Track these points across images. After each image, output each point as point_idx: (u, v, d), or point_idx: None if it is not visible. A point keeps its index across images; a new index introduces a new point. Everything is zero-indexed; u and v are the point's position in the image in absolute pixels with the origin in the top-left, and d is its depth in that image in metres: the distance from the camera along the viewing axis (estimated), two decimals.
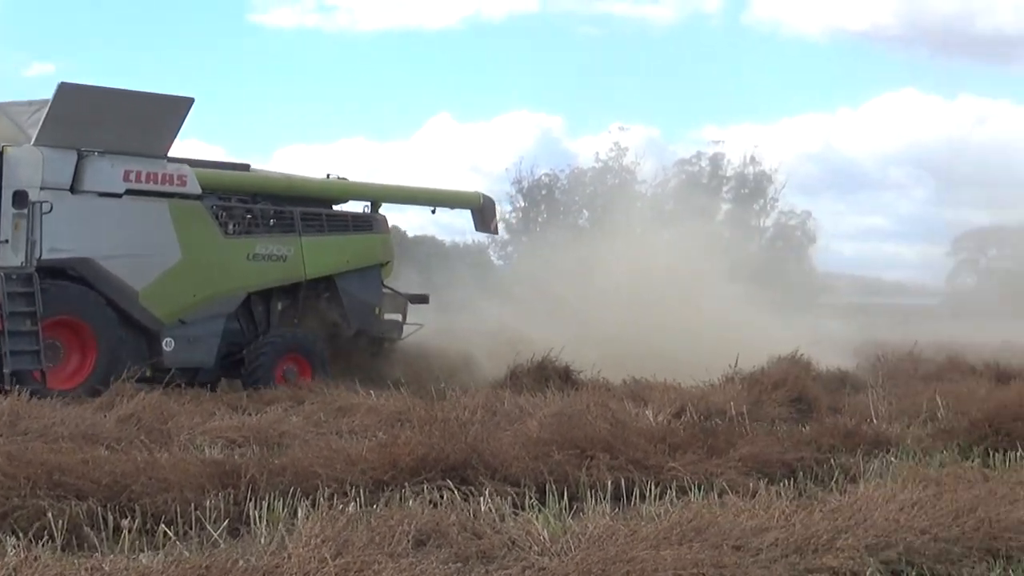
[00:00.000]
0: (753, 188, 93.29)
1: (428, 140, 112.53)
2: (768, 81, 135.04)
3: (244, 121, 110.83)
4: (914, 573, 8.90)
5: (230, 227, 21.47)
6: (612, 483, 11.72)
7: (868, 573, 8.64)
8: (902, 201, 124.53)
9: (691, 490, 11.75)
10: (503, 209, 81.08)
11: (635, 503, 11.33)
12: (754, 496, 10.97)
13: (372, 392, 17.74)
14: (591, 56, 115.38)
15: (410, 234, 62.15)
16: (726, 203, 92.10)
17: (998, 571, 9.09)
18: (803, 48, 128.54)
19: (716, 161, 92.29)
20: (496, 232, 26.15)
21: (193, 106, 20.27)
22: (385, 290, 23.51)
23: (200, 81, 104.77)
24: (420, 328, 23.60)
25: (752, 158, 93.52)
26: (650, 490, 11.67)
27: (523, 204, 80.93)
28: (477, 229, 25.87)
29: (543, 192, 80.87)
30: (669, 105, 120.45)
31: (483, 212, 25.48)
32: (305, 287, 22.27)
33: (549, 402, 16.71)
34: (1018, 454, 14.62)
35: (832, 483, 12.66)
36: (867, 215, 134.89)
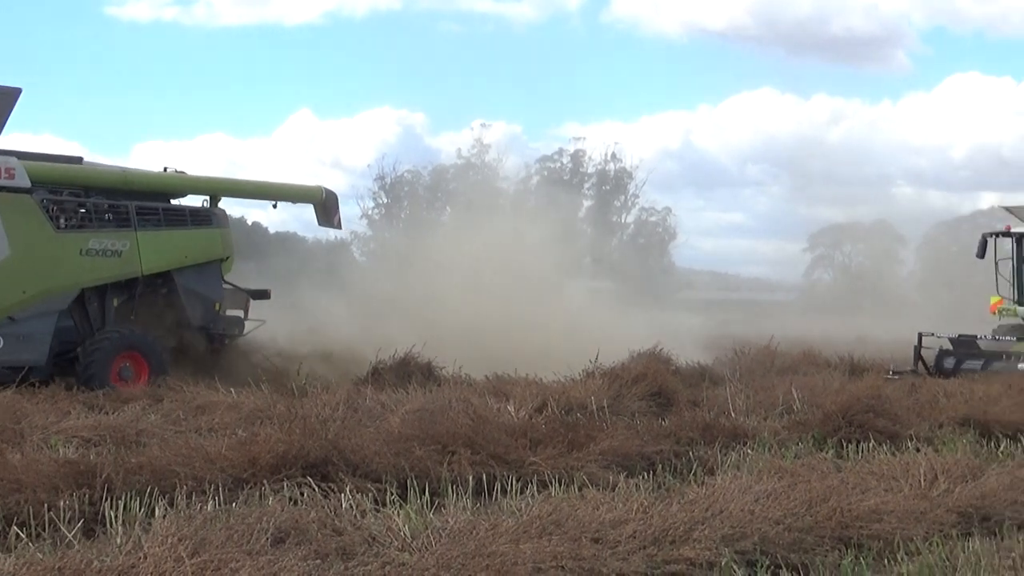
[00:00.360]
0: (614, 185, 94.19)
1: (289, 136, 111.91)
2: (629, 79, 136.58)
3: (101, 117, 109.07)
4: (768, 562, 9.06)
5: (62, 221, 20.74)
6: (473, 478, 11.75)
7: (723, 563, 8.79)
8: (760, 198, 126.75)
9: (552, 484, 11.82)
10: (366, 205, 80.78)
11: (496, 498, 11.37)
12: (614, 489, 11.08)
13: (232, 390, 17.55)
14: (453, 53, 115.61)
15: (272, 230, 61.63)
16: (588, 200, 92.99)
17: (850, 559, 9.29)
18: (663, 47, 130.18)
19: (577, 158, 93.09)
20: (339, 227, 25.66)
21: (21, 96, 19.80)
22: (226, 286, 22.99)
23: (57, 75, 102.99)
24: (262, 324, 23.22)
25: (613, 155, 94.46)
26: (511, 484, 11.72)
27: (386, 200, 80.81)
28: (320, 224, 25.31)
29: (406, 188, 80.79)
30: (531, 102, 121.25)
31: (325, 206, 24.99)
32: (142, 283, 21.64)
33: (411, 398, 16.69)
34: (870, 445, 14.97)
35: (690, 475, 12.83)
36: (726, 212, 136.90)
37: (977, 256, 27.07)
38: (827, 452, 14.37)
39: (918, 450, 14.34)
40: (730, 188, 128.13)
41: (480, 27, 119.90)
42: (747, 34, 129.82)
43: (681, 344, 27.28)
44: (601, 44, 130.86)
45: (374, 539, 8.71)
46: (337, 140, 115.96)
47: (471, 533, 8.69)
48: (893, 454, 14.07)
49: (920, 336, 25.85)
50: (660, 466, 13.32)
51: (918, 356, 25.72)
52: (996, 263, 27.22)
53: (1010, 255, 27.31)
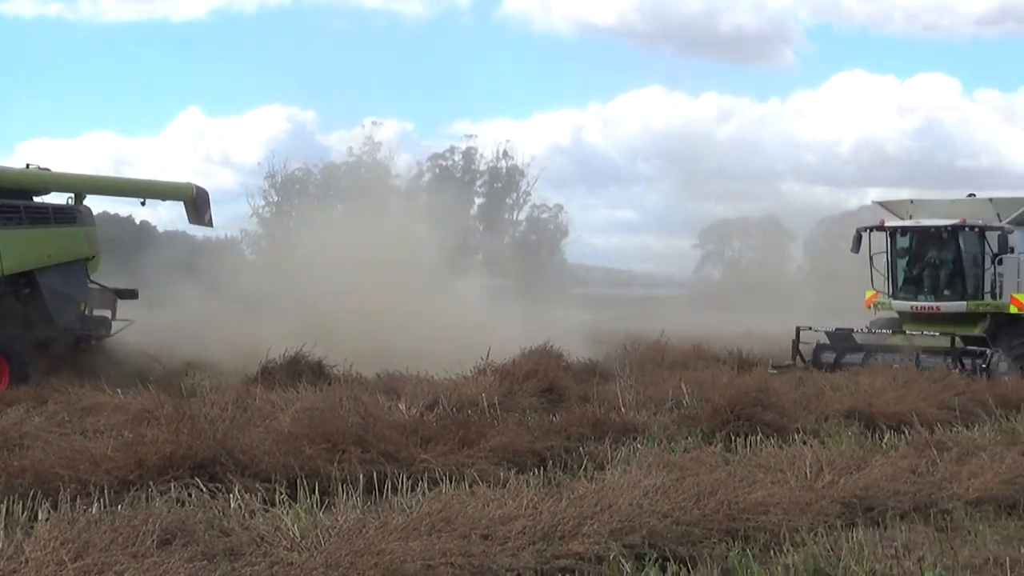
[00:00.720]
0: (506, 182, 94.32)
1: (178, 134, 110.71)
2: (520, 77, 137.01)
3: None
4: (656, 556, 9.13)
5: None
6: (364, 476, 11.70)
7: (611, 557, 8.84)
8: (650, 195, 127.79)
9: (443, 481, 11.82)
10: (257, 204, 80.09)
11: (387, 496, 11.33)
12: (504, 486, 11.10)
13: (119, 391, 17.29)
14: (343, 50, 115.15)
15: (160, 228, 60.88)
16: (480, 197, 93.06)
17: (737, 551, 9.39)
18: (553, 44, 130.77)
19: (469, 156, 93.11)
20: (211, 224, 25.02)
21: None
22: (92, 285, 22.40)
23: None
24: (130, 324, 22.75)
25: (505, 152, 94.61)
26: (402, 482, 11.69)
27: (276, 199, 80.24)
28: (191, 221, 24.61)
29: (296, 186, 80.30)
30: (422, 100, 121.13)
31: (196, 204, 24.38)
32: (3, 283, 21.01)
33: (302, 397, 16.56)
34: (758, 438, 15.15)
35: (581, 471, 12.88)
36: (617, 209, 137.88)
37: (852, 251, 27.42)
38: (716, 446, 14.52)
39: (804, 443, 14.54)
40: (621, 185, 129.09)
41: (370, 24, 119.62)
42: (637, 31, 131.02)
43: (573, 340, 27.40)
44: (492, 41, 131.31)
45: (262, 539, 8.64)
46: (226, 138, 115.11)
47: (360, 531, 8.66)
48: (780, 447, 14.24)
49: (798, 330, 26.31)
50: (551, 462, 13.36)
51: (796, 350, 26.18)
52: (871, 257, 27.60)
53: (884, 249, 27.75)
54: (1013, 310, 26.57)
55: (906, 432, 16.38)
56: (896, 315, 27.80)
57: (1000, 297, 26.85)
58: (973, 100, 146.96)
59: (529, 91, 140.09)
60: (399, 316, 26.29)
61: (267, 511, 9.88)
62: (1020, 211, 27.44)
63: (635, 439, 14.93)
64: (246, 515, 9.60)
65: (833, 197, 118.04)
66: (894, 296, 27.69)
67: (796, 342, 26.28)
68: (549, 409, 17.34)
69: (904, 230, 27.74)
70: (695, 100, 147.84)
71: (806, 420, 16.60)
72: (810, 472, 12.21)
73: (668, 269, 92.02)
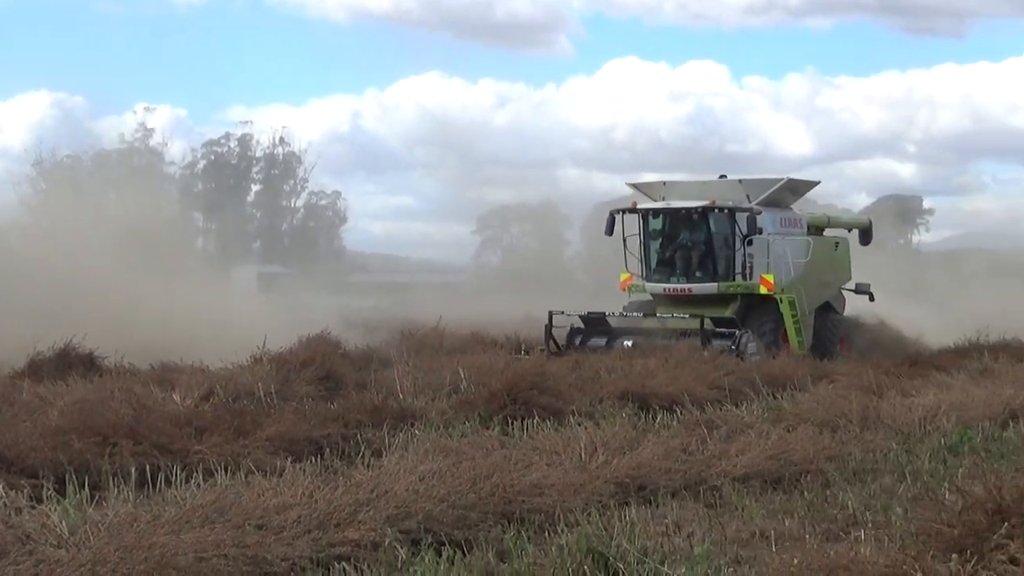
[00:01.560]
0: (283, 169, 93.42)
1: None
2: (296, 63, 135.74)
3: None
4: (432, 540, 9.16)
5: None
6: (136, 470, 11.45)
7: (387, 543, 8.85)
8: (429, 181, 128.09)
9: (217, 472, 11.65)
10: (23, 192, 77.74)
11: (160, 488, 11.12)
12: (280, 475, 11.00)
13: None
14: (114, 35, 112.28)
15: None
16: (256, 184, 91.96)
17: (512, 533, 9.49)
18: (328, 30, 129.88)
19: (245, 142, 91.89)
20: None
21: None
22: None
23: None
24: None
25: (281, 139, 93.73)
26: (176, 474, 11.48)
27: (44, 186, 77.86)
28: None
29: (66, 174, 78.01)
30: (196, 86, 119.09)
31: None
32: None
33: (71, 390, 16.11)
34: (535, 421, 15.32)
35: (358, 458, 12.85)
36: (396, 195, 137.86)
37: (605, 233, 27.71)
38: (493, 430, 14.63)
39: (580, 425, 14.78)
40: (399, 171, 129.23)
41: (142, 8, 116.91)
42: (413, 18, 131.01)
43: (351, 328, 27.32)
44: (266, 26, 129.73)
45: (28, 537, 8.39)
46: None
47: (131, 526, 8.48)
48: (556, 430, 14.42)
49: (550, 315, 26.16)
50: (328, 450, 13.32)
51: (548, 334, 26.05)
52: (624, 240, 27.69)
53: (637, 232, 27.83)
54: (763, 291, 27.07)
55: (678, 412, 16.74)
56: (651, 297, 28.03)
57: (750, 278, 27.22)
58: (741, 87, 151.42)
59: (305, 77, 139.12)
60: (173, 306, 25.80)
61: (33, 508, 9.59)
62: (769, 192, 27.92)
63: (413, 425, 14.94)
64: (11, 512, 9.31)
65: (609, 183, 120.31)
66: (647, 279, 27.82)
67: (549, 327, 26.12)
68: (327, 397, 17.24)
69: (656, 212, 27.81)
70: (472, 86, 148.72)
71: (581, 403, 16.85)
72: (585, 454, 12.40)
73: (447, 256, 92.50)
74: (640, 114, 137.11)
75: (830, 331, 28.60)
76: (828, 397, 17.28)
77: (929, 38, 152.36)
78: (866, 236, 31.53)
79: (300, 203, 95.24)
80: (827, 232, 30.59)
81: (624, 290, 28.33)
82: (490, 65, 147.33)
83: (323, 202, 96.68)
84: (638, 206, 27.78)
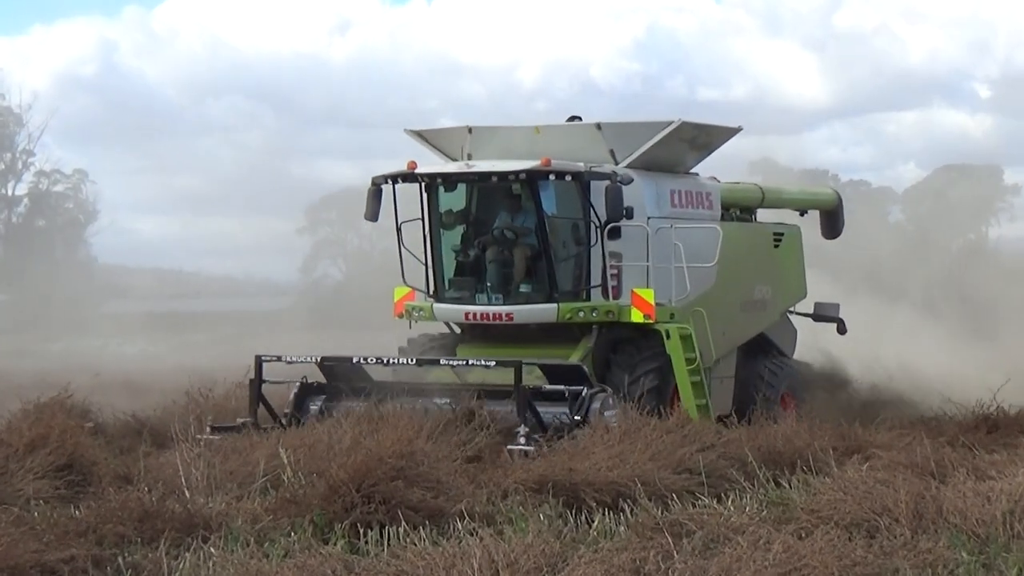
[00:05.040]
0: None
1: None
2: None
3: None
4: None
5: None
6: None
7: None
8: (228, 151, 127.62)
9: None
10: None
11: None
12: None
13: None
14: None
15: None
16: None
17: None
18: None
19: None
20: None
21: None
22: None
23: None
24: None
25: None
26: None
27: None
28: None
29: None
30: None
31: None
32: None
33: None
34: (399, 530, 15.31)
35: None
36: (175, 174, 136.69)
37: (367, 217, 26.28)
38: (335, 544, 14.63)
39: (472, 534, 14.77)
40: (180, 138, 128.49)
41: None
42: None
43: (108, 386, 27.17)
44: None
45: None
46: None
47: None
48: (435, 542, 14.51)
49: (259, 362, 24.10)
50: None
51: (257, 395, 24.01)
52: (399, 228, 26.26)
53: (420, 214, 26.16)
54: (636, 317, 25.29)
55: (626, 511, 16.78)
56: (447, 328, 26.68)
57: (616, 296, 25.46)
58: (719, 1, 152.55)
59: None
60: None
61: None
62: (647, 145, 26.19)
63: (207, 541, 14.91)
64: None
65: None
66: (437, 296, 26.16)
67: (257, 382, 24.04)
68: (69, 498, 17.29)
69: (449, 180, 26.02)
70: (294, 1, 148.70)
71: (474, 498, 16.87)
72: None
73: (261, 268, 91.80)
74: (562, 43, 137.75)
75: (767, 381, 27.41)
76: (861, 483, 17.39)
77: None
78: (832, 222, 30.67)
79: (22, 191, 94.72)
80: (761, 216, 29.49)
81: (401, 316, 26.82)
82: None
83: (59, 187, 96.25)
84: (418, 170, 25.83)
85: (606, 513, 16.83)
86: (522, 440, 21.06)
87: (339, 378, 24.66)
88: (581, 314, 25.14)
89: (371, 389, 23.73)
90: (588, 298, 25.39)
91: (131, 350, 42.40)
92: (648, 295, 25.01)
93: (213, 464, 18.58)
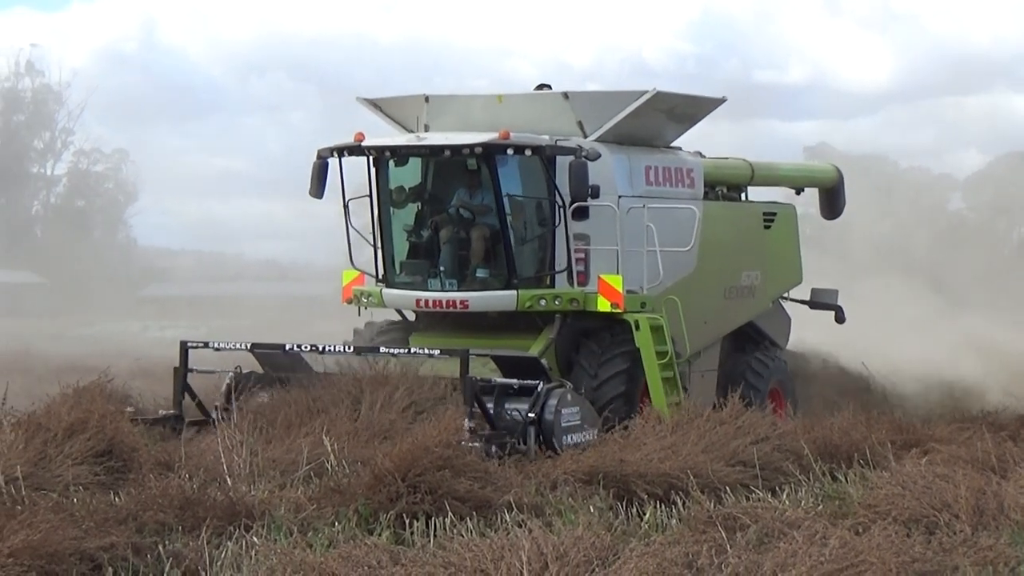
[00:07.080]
0: (33, 112, 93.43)
1: None
2: None
3: None
4: None
5: None
6: None
7: None
8: (275, 131, 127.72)
9: None
10: None
11: None
12: None
13: None
14: None
15: None
16: None
17: None
18: None
19: None
20: None
21: None
22: None
23: None
24: None
25: (29, 64, 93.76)
26: None
27: None
28: None
29: None
30: None
31: None
32: None
33: None
34: (446, 520, 15.32)
35: None
36: (218, 154, 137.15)
37: (311, 193, 25.05)
38: (380, 535, 14.64)
39: (520, 525, 14.76)
40: (224, 115, 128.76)
41: None
42: None
43: (151, 370, 27.19)
44: None
45: None
46: None
47: None
48: (483, 534, 14.52)
49: (184, 348, 23.12)
50: (112, 571, 13.32)
51: (182, 386, 23.14)
52: (346, 206, 25.15)
53: (368, 191, 25.07)
54: (603, 306, 24.14)
55: (679, 503, 16.78)
56: (399, 316, 25.96)
57: (582, 282, 24.35)
58: None
59: None
60: None
61: None
62: (619, 117, 25.16)
63: (250, 529, 14.96)
64: None
65: None
66: (387, 281, 25.15)
67: (183, 371, 23.12)
68: (108, 485, 17.31)
69: (399, 153, 24.77)
70: None
71: (523, 490, 16.88)
72: (529, 572, 12.38)
73: (307, 252, 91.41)
74: (615, 24, 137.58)
75: (754, 376, 26.34)
76: (920, 478, 17.35)
77: None
78: (832, 201, 29.76)
79: (62, 171, 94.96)
80: (752, 195, 28.47)
81: (349, 301, 25.78)
82: None
83: (99, 167, 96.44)
84: (366, 142, 24.56)
85: (658, 506, 16.84)
86: (467, 435, 19.56)
87: (273, 366, 23.95)
88: (543, 302, 24.04)
89: (310, 381, 22.85)
90: (552, 285, 24.40)
91: (170, 334, 42.34)
92: (616, 282, 24.03)
93: (256, 451, 18.63)
